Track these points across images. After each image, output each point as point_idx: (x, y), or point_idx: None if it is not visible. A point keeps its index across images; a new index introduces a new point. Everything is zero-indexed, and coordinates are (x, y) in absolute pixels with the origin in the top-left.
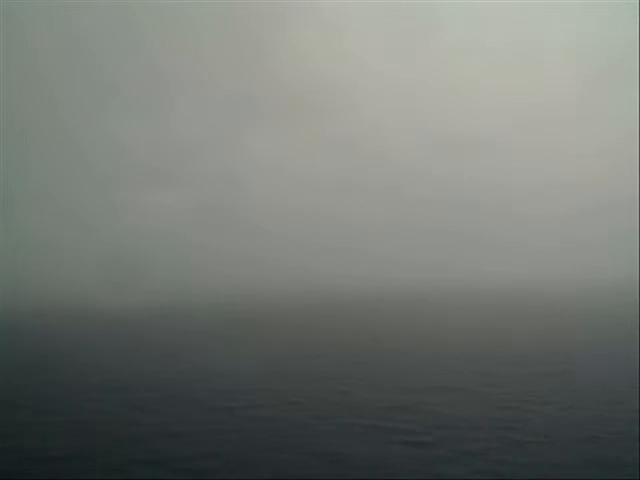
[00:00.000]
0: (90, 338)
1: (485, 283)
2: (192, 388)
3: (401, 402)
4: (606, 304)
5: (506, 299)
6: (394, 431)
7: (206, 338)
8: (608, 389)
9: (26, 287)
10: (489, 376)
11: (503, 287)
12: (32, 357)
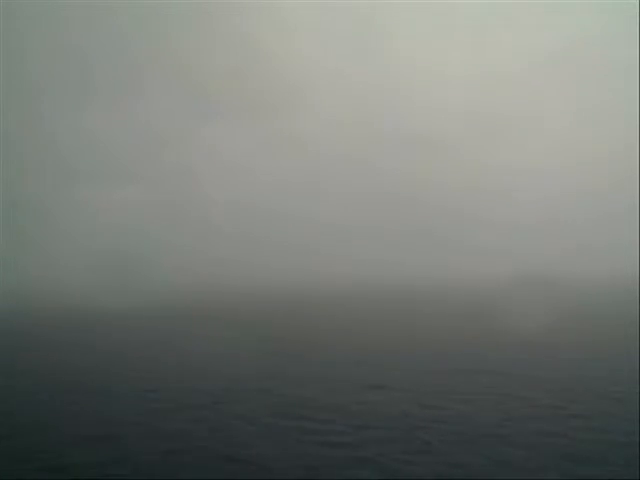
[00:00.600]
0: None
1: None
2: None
3: (325, 401)
4: (606, 304)
5: (443, 297)
6: (315, 432)
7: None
8: (606, 389)
9: None
10: (422, 375)
11: (460, 285)
12: None
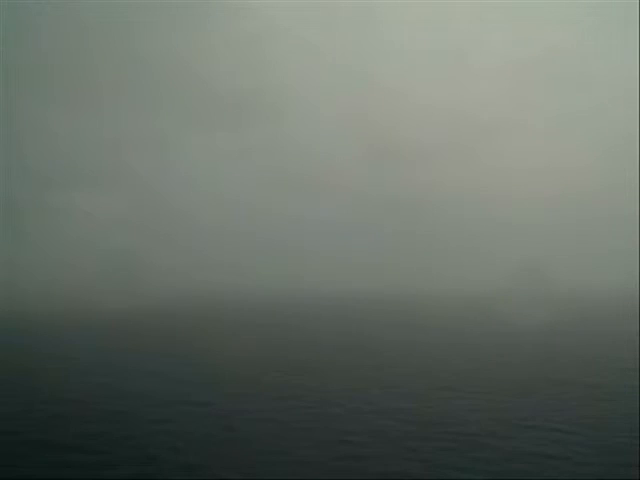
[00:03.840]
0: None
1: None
2: None
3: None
4: (605, 309)
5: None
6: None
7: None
8: (606, 384)
9: None
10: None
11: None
12: None
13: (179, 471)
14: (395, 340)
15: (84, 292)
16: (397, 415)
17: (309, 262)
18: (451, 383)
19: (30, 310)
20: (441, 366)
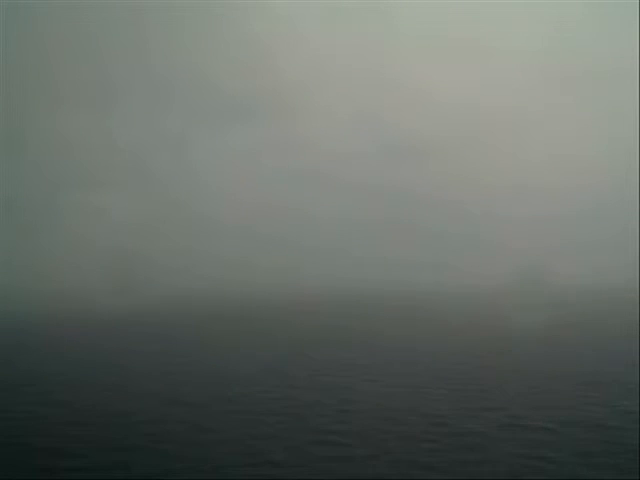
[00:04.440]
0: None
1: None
2: None
3: None
4: (606, 306)
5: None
6: None
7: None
8: (606, 385)
9: None
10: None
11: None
12: None
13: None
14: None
15: (98, 291)
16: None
17: (326, 259)
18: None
19: (48, 310)
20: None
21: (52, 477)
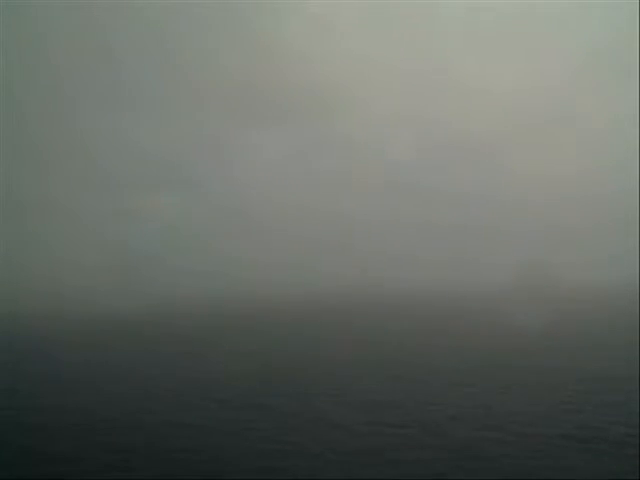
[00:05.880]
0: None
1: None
2: None
3: None
4: (606, 304)
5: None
6: None
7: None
8: (606, 386)
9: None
10: None
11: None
12: None
13: None
14: None
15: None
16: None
17: (370, 260)
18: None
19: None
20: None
21: (52, 477)
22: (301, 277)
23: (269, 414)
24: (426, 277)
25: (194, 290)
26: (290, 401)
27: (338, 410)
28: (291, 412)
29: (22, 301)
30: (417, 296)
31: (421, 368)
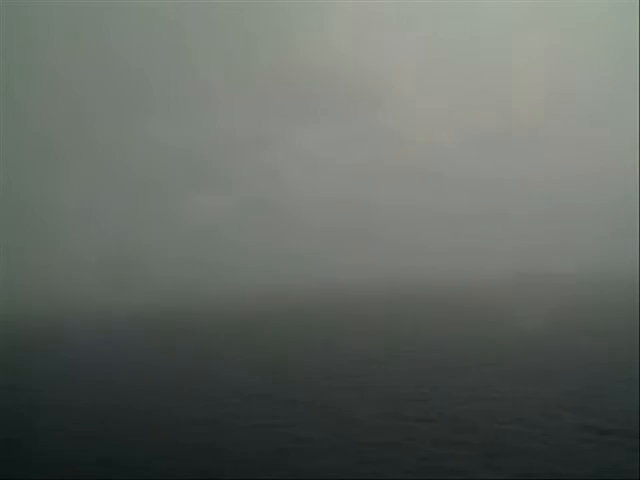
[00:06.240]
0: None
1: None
2: None
3: None
4: (607, 299)
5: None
6: None
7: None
8: (606, 384)
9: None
10: None
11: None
12: None
13: None
14: None
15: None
16: None
17: (419, 251)
18: None
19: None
20: None
21: (52, 477)
22: (332, 268)
23: (292, 408)
24: (457, 266)
25: (224, 287)
26: (311, 395)
27: (359, 403)
28: (315, 406)
29: (29, 301)
30: (453, 284)
31: (438, 358)
